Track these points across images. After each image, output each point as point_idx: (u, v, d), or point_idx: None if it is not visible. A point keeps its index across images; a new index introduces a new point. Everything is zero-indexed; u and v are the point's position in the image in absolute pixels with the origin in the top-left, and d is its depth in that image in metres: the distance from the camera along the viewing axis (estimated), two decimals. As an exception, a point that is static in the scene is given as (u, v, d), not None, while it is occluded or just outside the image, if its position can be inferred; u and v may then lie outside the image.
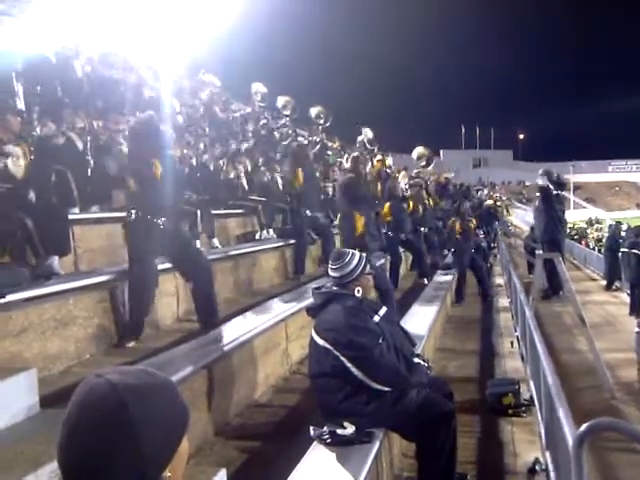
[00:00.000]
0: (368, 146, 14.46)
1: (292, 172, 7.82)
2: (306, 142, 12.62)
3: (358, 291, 3.39)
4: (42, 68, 6.66)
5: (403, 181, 12.92)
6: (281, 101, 14.40)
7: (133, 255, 4.49)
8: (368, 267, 3.51)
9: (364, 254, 3.55)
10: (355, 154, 9.13)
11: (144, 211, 4.42)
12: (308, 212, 7.74)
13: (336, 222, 9.37)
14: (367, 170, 11.10)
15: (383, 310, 3.47)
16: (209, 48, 13.66)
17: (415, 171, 15.02)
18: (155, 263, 4.61)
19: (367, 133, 14.66)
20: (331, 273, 3.42)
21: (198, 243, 6.68)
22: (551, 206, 10.58)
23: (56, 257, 4.28)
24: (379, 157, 12.51)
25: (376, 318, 3.35)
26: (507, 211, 42.44)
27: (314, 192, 8.08)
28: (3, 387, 2.61)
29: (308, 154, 8.73)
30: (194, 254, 4.92)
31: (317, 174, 9.68)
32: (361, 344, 3.12)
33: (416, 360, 3.36)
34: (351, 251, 3.51)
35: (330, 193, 10.52)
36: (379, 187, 9.89)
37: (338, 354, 3.13)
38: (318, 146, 13.64)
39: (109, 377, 0.98)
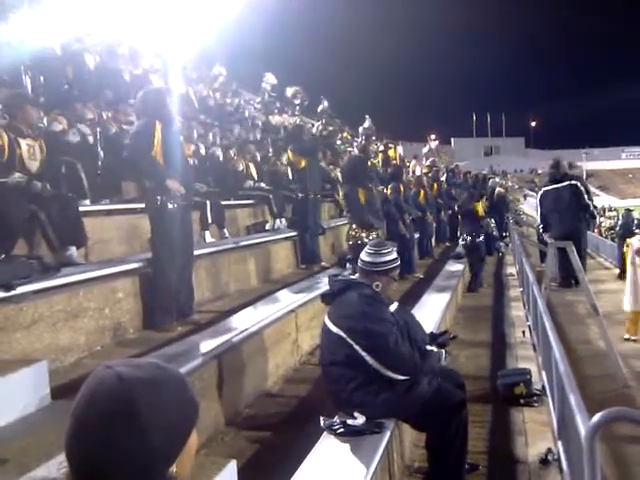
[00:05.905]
0: (362, 136, 14.60)
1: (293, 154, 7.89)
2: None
3: (377, 286, 3.36)
4: (48, 60, 6.64)
5: (419, 169, 13.08)
6: (290, 91, 14.33)
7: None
8: (398, 271, 3.48)
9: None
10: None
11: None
12: None
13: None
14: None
15: (395, 305, 3.46)
16: (218, 38, 13.59)
17: (431, 159, 15.28)
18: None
19: (365, 122, 14.84)
20: (364, 257, 3.39)
21: (208, 234, 6.69)
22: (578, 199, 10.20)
23: (74, 247, 4.30)
24: (389, 146, 12.57)
25: (392, 307, 3.35)
26: (522, 199, 42.13)
27: (314, 176, 8.00)
28: (15, 379, 2.63)
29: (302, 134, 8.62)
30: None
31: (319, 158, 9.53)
32: (377, 332, 3.10)
33: (429, 347, 3.35)
34: (392, 246, 3.51)
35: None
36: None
37: (352, 342, 3.11)
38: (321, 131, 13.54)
39: (118, 370, 0.97)
